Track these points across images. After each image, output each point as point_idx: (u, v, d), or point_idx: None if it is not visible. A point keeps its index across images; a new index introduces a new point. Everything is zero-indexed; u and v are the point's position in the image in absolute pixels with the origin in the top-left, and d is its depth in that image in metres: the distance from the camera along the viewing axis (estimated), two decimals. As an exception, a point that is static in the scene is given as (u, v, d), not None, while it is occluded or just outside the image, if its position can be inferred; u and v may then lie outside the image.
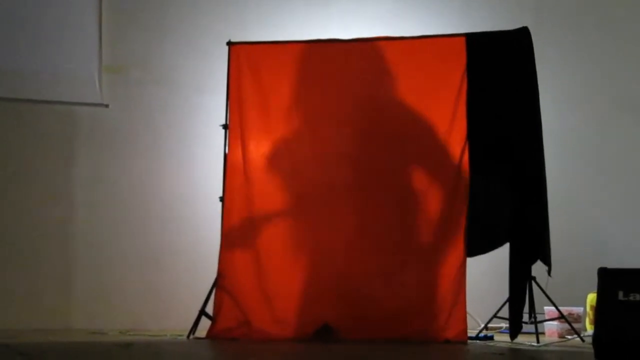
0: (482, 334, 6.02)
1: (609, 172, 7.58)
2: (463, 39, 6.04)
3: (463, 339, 5.75)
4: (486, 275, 6.40)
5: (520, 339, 5.82)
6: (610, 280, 4.48)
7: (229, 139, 6.20)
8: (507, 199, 5.89)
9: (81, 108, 7.03)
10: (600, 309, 4.48)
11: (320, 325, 5.89)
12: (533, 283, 5.85)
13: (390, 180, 6.06)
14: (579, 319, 6.41)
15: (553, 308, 6.07)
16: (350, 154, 6.10)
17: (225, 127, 6.21)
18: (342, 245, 6.02)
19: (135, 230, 7.00)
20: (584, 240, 7.29)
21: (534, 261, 5.86)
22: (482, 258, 6.02)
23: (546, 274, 5.85)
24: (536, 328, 5.80)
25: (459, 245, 5.87)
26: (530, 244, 5.84)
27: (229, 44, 6.25)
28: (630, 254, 6.98)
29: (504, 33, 6.03)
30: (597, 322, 4.49)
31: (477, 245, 5.94)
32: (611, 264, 4.62)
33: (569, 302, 6.34)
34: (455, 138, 5.97)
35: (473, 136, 5.94)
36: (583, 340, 5.87)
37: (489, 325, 6.12)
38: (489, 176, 5.96)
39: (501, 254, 5.93)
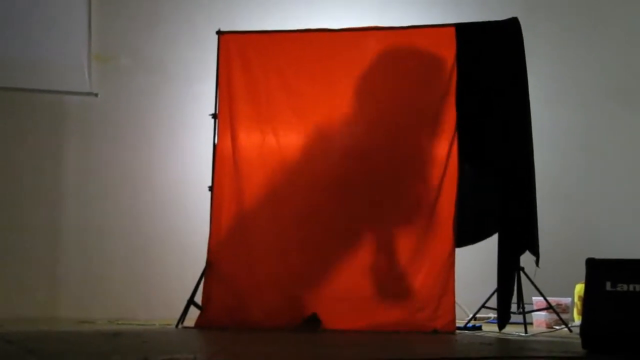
0: (470, 324, 6.03)
1: (598, 163, 7.60)
2: (453, 29, 6.03)
3: (451, 329, 5.75)
4: (475, 265, 6.41)
5: (509, 329, 5.83)
6: (598, 271, 4.48)
7: (218, 128, 6.19)
8: (496, 190, 5.89)
9: (70, 97, 7.02)
10: (587, 300, 4.48)
11: (308, 315, 5.90)
12: (521, 273, 5.86)
13: (378, 169, 6.05)
14: (567, 309, 6.43)
15: (541, 298, 6.10)
16: (338, 144, 6.10)
17: (214, 116, 6.19)
18: (329, 235, 6.02)
19: (124, 219, 7.00)
20: (572, 231, 7.31)
21: (523, 252, 5.87)
22: (471, 248, 6.03)
23: (534, 264, 5.87)
24: (524, 318, 5.80)
25: (448, 235, 5.86)
26: (518, 234, 5.84)
27: (219, 33, 6.23)
28: (618, 244, 7.00)
29: (494, 23, 6.03)
30: (585, 312, 4.49)
31: (466, 236, 5.96)
32: (599, 255, 4.61)
33: (557, 293, 6.36)
34: (444, 128, 5.96)
35: (462, 126, 5.94)
36: (571, 331, 5.89)
37: (478, 315, 6.14)
38: (477, 166, 5.98)
39: (490, 245, 5.93)
